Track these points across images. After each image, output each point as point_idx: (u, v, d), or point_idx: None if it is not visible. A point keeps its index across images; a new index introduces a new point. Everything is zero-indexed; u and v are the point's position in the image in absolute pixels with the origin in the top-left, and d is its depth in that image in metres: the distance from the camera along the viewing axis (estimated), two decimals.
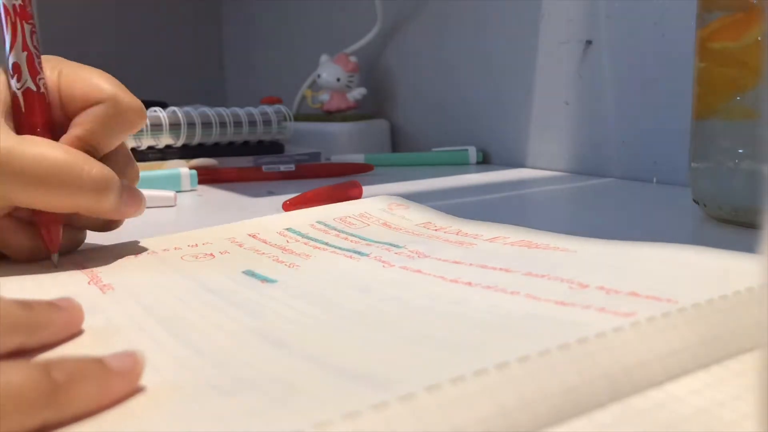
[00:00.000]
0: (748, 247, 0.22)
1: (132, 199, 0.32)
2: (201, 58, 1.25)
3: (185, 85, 1.19)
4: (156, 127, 0.65)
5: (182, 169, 0.57)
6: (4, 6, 0.29)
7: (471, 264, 0.27)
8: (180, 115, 0.66)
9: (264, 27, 1.14)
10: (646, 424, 0.16)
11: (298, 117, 0.83)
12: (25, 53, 0.30)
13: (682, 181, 0.47)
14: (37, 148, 0.28)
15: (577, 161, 0.63)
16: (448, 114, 0.78)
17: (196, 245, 0.33)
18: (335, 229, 0.35)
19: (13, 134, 0.29)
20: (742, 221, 0.36)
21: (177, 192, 0.52)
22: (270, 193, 0.55)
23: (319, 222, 0.37)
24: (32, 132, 0.30)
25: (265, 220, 0.37)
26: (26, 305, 0.20)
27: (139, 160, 0.64)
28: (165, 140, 0.65)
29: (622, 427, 0.15)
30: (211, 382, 0.17)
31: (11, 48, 0.30)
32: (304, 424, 0.14)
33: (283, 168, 0.63)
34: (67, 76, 0.31)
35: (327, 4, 0.96)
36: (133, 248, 0.33)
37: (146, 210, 0.48)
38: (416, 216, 0.37)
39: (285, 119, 0.71)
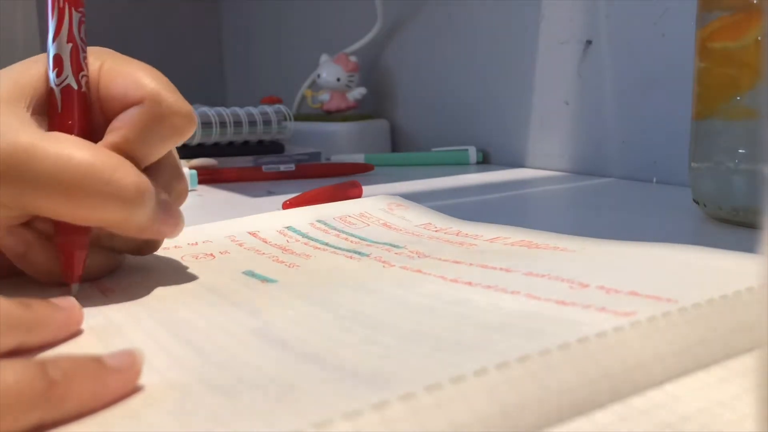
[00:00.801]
0: (748, 247, 0.22)
1: (168, 217, 0.26)
2: (201, 58, 1.25)
3: (185, 85, 1.19)
4: None
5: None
6: None
7: (471, 264, 0.27)
8: None
9: (264, 27, 1.14)
10: (646, 424, 0.16)
11: (298, 117, 0.83)
12: (70, 45, 0.26)
13: (682, 181, 0.47)
14: (63, 147, 0.24)
15: (577, 161, 0.63)
16: (448, 114, 0.78)
17: (196, 243, 0.33)
18: (335, 229, 0.35)
19: (37, 130, 0.25)
20: (742, 221, 0.36)
21: None
22: (270, 193, 0.55)
23: (319, 221, 0.37)
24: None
25: (266, 217, 0.37)
26: (25, 304, 0.20)
27: None
28: None
29: (622, 427, 0.15)
30: (211, 382, 0.17)
31: (54, 37, 0.26)
32: (304, 424, 0.14)
33: (283, 168, 0.63)
34: (109, 71, 0.27)
35: (327, 4, 0.96)
36: None
37: None
38: (416, 217, 0.37)
39: (285, 119, 0.71)
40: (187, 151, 0.67)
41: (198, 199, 0.54)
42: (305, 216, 0.37)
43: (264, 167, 0.63)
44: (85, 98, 0.26)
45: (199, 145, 0.68)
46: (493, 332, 0.19)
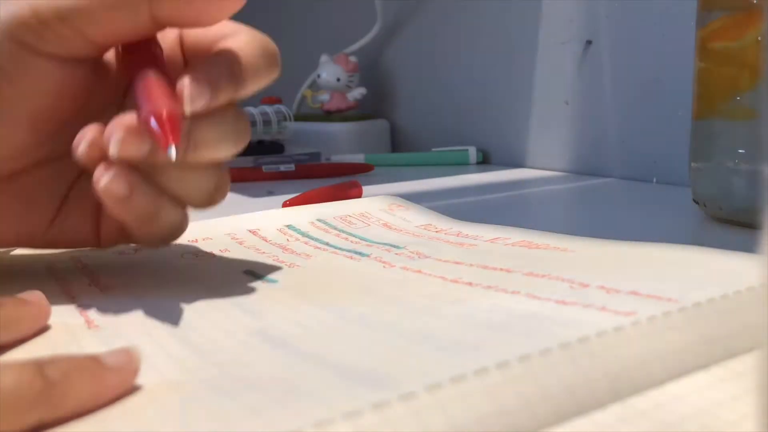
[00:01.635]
0: (748, 247, 0.22)
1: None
2: None
3: None
4: None
5: None
6: None
7: (472, 264, 0.27)
8: None
9: (264, 27, 1.14)
10: (646, 424, 0.16)
11: (298, 117, 0.83)
12: None
13: (682, 181, 0.46)
14: None
15: (577, 161, 0.63)
16: (448, 114, 0.78)
17: (196, 240, 0.33)
18: (336, 229, 0.35)
19: None
20: (742, 221, 0.36)
21: None
22: (270, 193, 0.55)
23: (319, 220, 0.37)
24: None
25: (266, 215, 0.37)
26: None
27: None
28: None
29: (622, 427, 0.15)
30: (211, 381, 0.17)
31: None
32: (304, 424, 0.14)
33: (283, 168, 0.63)
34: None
35: (327, 4, 0.96)
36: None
37: None
38: (416, 217, 0.37)
39: (285, 119, 0.71)
40: None
41: None
42: (305, 215, 0.37)
43: (264, 167, 0.63)
44: None
45: None
46: (494, 332, 0.19)
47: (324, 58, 0.83)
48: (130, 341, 0.21)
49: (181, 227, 0.27)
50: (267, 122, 0.70)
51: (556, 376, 0.16)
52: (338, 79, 0.80)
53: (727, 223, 0.37)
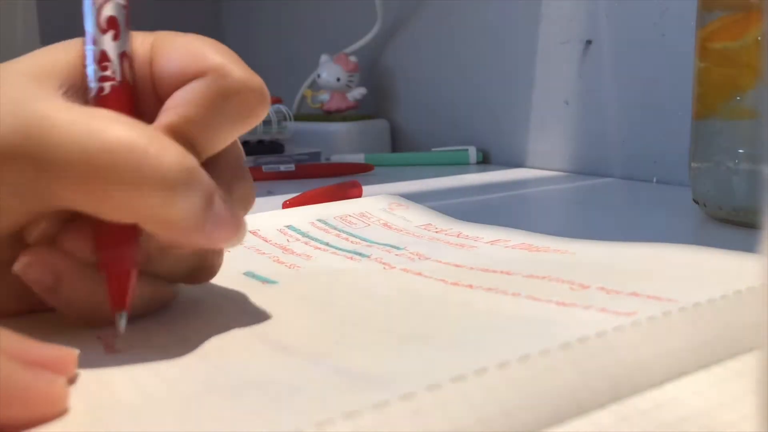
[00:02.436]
0: (748, 247, 0.22)
1: (225, 219, 0.20)
2: None
3: None
4: None
5: None
6: None
7: (472, 267, 0.27)
8: None
9: (264, 27, 1.14)
10: (646, 424, 0.16)
11: (298, 117, 0.83)
12: (111, 32, 0.21)
13: (682, 181, 0.46)
14: (88, 119, 0.19)
15: (577, 161, 0.63)
16: (448, 114, 0.78)
17: None
18: (336, 229, 0.35)
19: (60, 100, 0.20)
20: (742, 221, 0.36)
21: None
22: (270, 193, 0.55)
23: (319, 220, 0.37)
24: None
25: (266, 215, 0.37)
26: None
27: None
28: None
29: (622, 427, 0.15)
30: (211, 382, 0.17)
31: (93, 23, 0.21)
32: (304, 424, 0.14)
33: (283, 168, 0.63)
34: (162, 45, 0.22)
35: (327, 4, 0.96)
36: None
37: None
38: (417, 217, 0.37)
39: (285, 119, 0.71)
40: None
41: None
42: (306, 215, 0.37)
43: (264, 167, 0.63)
44: (131, 91, 0.21)
45: None
46: (494, 333, 0.19)
47: (324, 58, 0.83)
48: (130, 343, 0.21)
49: (158, 299, 0.23)
50: (267, 122, 0.70)
51: (556, 376, 0.16)
52: (338, 79, 0.80)
53: (727, 223, 0.37)
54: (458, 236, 0.33)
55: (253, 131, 0.70)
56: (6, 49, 0.97)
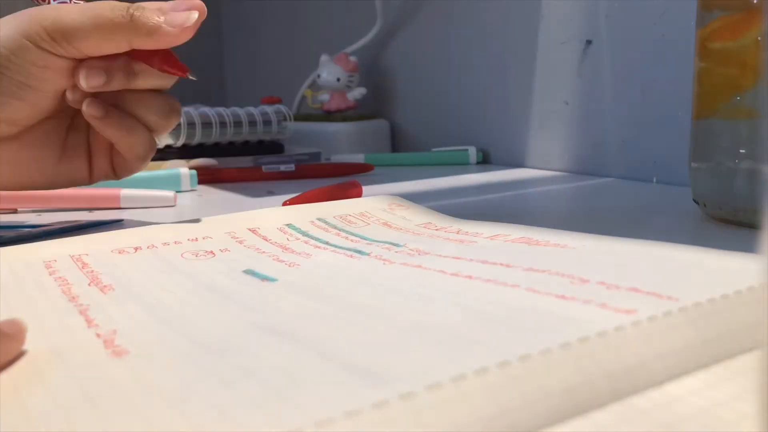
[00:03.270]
0: (748, 247, 0.22)
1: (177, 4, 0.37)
2: (201, 58, 1.25)
3: (185, 85, 1.19)
4: None
5: (182, 169, 0.57)
6: None
7: (471, 260, 0.27)
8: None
9: (264, 27, 1.14)
10: (646, 424, 0.16)
11: (298, 117, 0.83)
12: None
13: (682, 181, 0.47)
14: (84, 6, 0.35)
15: (577, 161, 0.63)
16: (448, 114, 0.78)
17: (197, 239, 0.33)
18: (336, 228, 0.35)
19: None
20: (742, 221, 0.36)
21: (177, 192, 0.52)
22: (270, 193, 0.55)
23: (319, 219, 0.37)
24: None
25: (266, 214, 0.37)
26: None
27: None
28: (165, 140, 0.65)
29: (622, 427, 0.15)
30: (210, 371, 0.17)
31: None
32: (305, 423, 0.14)
33: (283, 168, 0.63)
34: None
35: (327, 4, 0.96)
36: (133, 239, 0.33)
37: (146, 210, 0.48)
38: (417, 217, 0.37)
39: (285, 119, 0.71)
40: (187, 151, 0.67)
41: (198, 199, 0.54)
42: (306, 214, 0.37)
43: (264, 167, 0.63)
44: None
45: (199, 145, 0.68)
46: (493, 326, 0.19)
47: (324, 58, 0.83)
48: (131, 339, 0.21)
49: (151, 147, 0.39)
50: (267, 122, 0.70)
51: (556, 375, 0.16)
52: (338, 79, 0.80)
53: (727, 223, 0.37)
54: (458, 233, 0.33)
55: (254, 131, 0.70)
56: None
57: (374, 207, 0.39)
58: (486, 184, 0.59)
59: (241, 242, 0.33)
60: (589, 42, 0.60)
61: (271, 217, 0.36)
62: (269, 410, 0.15)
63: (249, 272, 0.28)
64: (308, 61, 0.90)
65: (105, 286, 0.27)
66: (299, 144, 0.78)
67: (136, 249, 0.32)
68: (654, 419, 0.16)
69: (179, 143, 0.66)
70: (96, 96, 0.37)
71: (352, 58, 0.81)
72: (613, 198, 0.52)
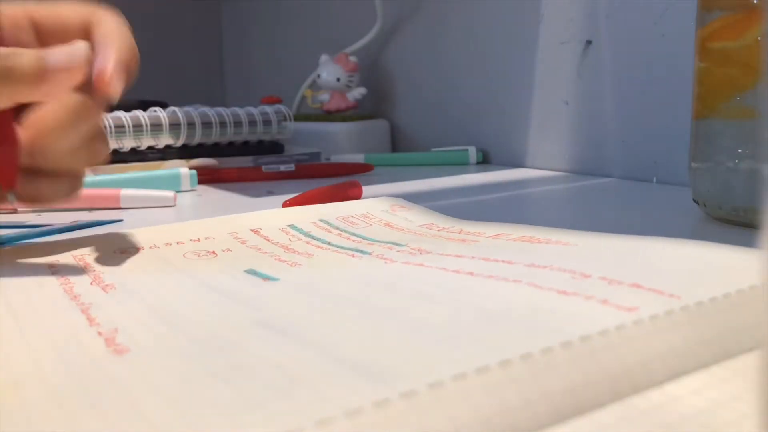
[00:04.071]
0: (748, 247, 0.22)
1: (60, 56, 0.28)
2: (201, 58, 1.25)
3: (185, 85, 1.19)
4: (156, 127, 0.65)
5: (182, 169, 0.58)
6: None
7: (473, 257, 0.27)
8: (180, 115, 0.66)
9: (264, 27, 1.14)
10: (646, 424, 0.16)
11: (298, 117, 0.83)
12: None
13: (682, 181, 0.47)
14: None
15: (577, 161, 0.63)
16: (448, 114, 0.78)
17: (199, 240, 0.33)
18: (337, 228, 0.35)
19: None
20: (742, 221, 0.36)
21: (177, 192, 0.52)
22: (270, 193, 0.55)
23: (321, 220, 0.37)
24: None
25: (268, 215, 0.37)
26: None
27: (138, 160, 0.64)
28: (165, 140, 0.65)
29: (622, 426, 0.15)
30: (211, 369, 0.17)
31: None
32: (305, 422, 0.14)
33: (283, 168, 0.63)
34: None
35: (327, 4, 0.97)
36: (135, 239, 0.33)
37: (146, 210, 0.48)
38: (418, 218, 0.37)
39: (285, 119, 0.71)
40: (187, 151, 0.67)
41: (198, 199, 0.54)
42: (308, 215, 0.37)
43: (264, 167, 0.63)
44: None
45: (199, 145, 0.68)
46: (494, 323, 0.19)
47: (324, 58, 0.83)
48: (132, 338, 0.21)
49: (69, 190, 0.33)
50: (267, 122, 0.70)
51: (557, 375, 0.16)
52: (338, 79, 0.80)
53: (727, 222, 0.37)
54: (460, 233, 0.33)
55: (254, 131, 0.70)
56: None
57: (376, 208, 0.39)
58: (486, 184, 0.59)
59: (243, 242, 0.33)
60: (589, 42, 0.60)
61: (273, 218, 0.37)
62: (270, 409, 0.15)
63: (251, 272, 0.28)
64: (308, 61, 0.90)
65: (107, 285, 0.27)
66: (299, 144, 0.78)
67: (138, 249, 0.32)
68: (654, 419, 0.16)
69: (179, 143, 0.66)
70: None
71: (352, 58, 0.81)
72: (613, 198, 0.52)
